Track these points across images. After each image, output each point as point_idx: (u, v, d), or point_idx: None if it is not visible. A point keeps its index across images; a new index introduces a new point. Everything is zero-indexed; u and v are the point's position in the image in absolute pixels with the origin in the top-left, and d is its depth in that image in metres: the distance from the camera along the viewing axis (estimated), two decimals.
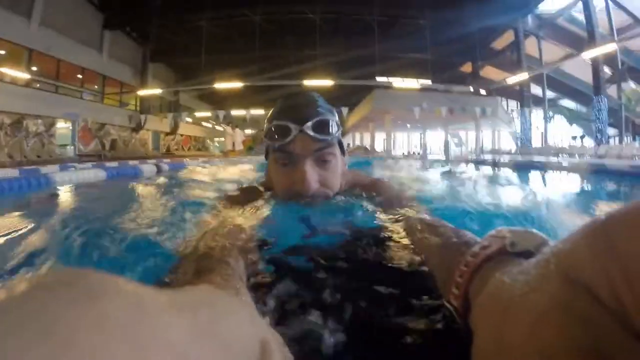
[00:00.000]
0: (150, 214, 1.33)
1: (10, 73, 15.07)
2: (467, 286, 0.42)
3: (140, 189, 2.72)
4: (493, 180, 4.11)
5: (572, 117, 26.55)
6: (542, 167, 6.51)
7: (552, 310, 0.25)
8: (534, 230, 0.41)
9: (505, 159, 9.67)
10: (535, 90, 23.15)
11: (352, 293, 0.57)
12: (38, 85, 16.71)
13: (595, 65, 16.32)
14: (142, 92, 23.37)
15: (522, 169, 6.67)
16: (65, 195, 3.22)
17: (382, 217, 0.91)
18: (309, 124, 0.94)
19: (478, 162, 9.07)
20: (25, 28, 15.67)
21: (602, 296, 0.23)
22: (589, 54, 16.18)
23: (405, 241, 0.74)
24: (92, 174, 4.62)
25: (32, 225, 1.38)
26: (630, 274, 0.22)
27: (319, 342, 0.48)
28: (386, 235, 0.78)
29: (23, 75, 15.53)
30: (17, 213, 1.87)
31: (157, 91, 24.47)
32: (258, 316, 0.31)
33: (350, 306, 0.54)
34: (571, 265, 0.26)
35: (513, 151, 20.56)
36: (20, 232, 1.30)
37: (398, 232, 0.78)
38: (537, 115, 24.37)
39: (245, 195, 1.11)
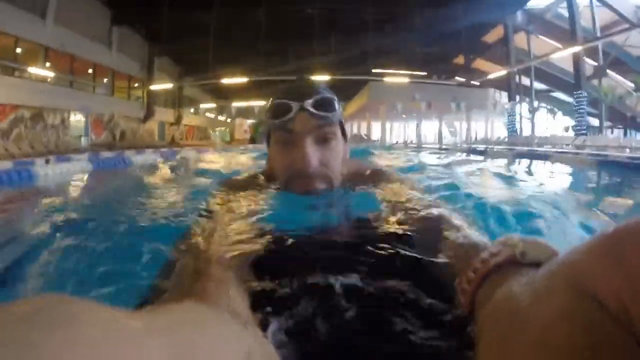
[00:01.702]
0: (149, 202, 1.31)
1: (29, 70, 16.22)
2: (475, 293, 0.42)
3: (139, 177, 2.62)
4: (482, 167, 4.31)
5: (561, 108, 27.46)
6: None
7: (560, 318, 0.25)
8: (545, 241, 0.41)
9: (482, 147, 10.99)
10: (528, 82, 24.11)
11: (355, 289, 0.56)
12: (53, 80, 17.73)
13: (576, 61, 17.22)
14: (154, 87, 24.74)
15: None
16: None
17: (385, 210, 0.90)
18: (310, 101, 0.92)
19: (470, 151, 10.07)
20: (41, 27, 16.59)
21: (609, 305, 0.23)
22: (569, 51, 17.17)
23: (410, 238, 0.72)
24: None
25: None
26: (636, 284, 0.22)
27: (318, 338, 0.48)
28: (390, 230, 0.77)
29: (40, 72, 16.58)
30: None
31: (168, 86, 25.91)
32: (243, 327, 0.32)
33: (353, 303, 0.53)
34: (580, 275, 0.26)
35: (502, 140, 21.55)
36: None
37: (403, 227, 0.77)
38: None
39: (246, 184, 1.09)
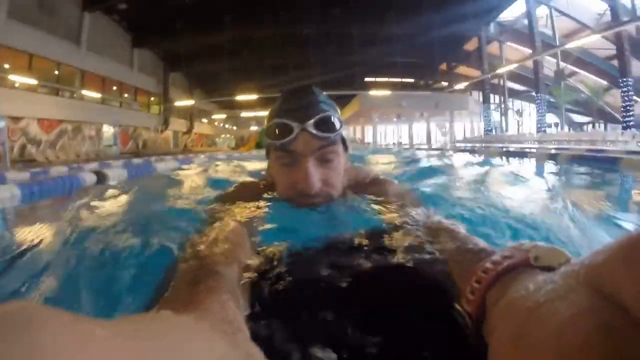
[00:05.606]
0: (152, 209, 1.34)
1: (69, 90, 19.22)
2: (485, 292, 0.41)
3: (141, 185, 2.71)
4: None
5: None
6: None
7: (578, 316, 0.25)
8: (559, 248, 0.39)
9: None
10: (511, 84, 27.53)
11: (357, 295, 0.56)
12: (88, 98, 20.58)
13: (536, 68, 20.10)
14: (178, 104, 28.16)
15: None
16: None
17: (387, 217, 0.88)
18: (311, 121, 0.90)
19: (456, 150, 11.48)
20: (77, 53, 19.49)
21: (631, 308, 0.22)
22: (510, 68, 20.39)
23: (413, 243, 0.70)
24: None
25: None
26: None
27: (321, 346, 0.47)
28: (392, 236, 0.75)
29: (78, 91, 19.44)
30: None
31: (190, 102, 29.39)
32: (221, 337, 0.33)
33: (355, 309, 0.53)
34: (600, 277, 0.25)
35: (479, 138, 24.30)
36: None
37: (405, 233, 0.75)
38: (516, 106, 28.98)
39: (245, 192, 1.08)
